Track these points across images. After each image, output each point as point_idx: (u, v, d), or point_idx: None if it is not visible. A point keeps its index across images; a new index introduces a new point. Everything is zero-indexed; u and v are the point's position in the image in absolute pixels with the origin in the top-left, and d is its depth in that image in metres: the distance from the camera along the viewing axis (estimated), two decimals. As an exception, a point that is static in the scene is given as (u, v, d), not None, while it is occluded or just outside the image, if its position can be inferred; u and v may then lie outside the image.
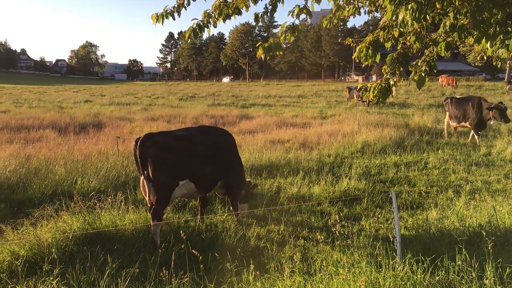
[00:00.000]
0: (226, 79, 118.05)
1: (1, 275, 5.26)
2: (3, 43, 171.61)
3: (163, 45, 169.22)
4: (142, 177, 6.59)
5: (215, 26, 5.31)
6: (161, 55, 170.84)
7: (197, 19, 5.27)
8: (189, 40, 5.68)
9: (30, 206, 7.69)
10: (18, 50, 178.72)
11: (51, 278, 4.99)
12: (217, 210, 8.13)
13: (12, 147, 12.16)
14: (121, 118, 23.02)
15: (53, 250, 5.72)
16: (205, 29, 5.30)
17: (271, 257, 5.96)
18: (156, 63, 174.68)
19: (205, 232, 6.92)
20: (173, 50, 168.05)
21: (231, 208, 7.62)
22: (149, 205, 6.61)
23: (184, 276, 4.85)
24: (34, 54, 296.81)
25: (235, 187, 7.52)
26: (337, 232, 5.86)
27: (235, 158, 7.62)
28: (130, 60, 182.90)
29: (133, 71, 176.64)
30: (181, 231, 5.49)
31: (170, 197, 6.63)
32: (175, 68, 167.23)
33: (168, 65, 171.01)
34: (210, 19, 5.26)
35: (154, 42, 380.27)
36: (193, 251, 5.07)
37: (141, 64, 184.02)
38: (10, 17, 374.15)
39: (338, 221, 6.54)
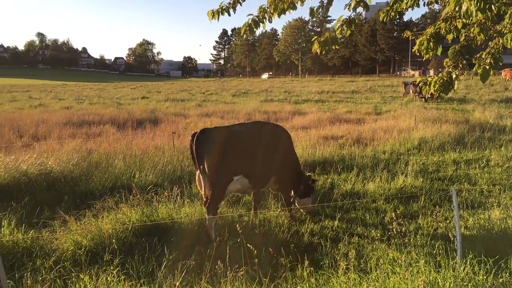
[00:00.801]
0: (264, 76, 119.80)
1: (65, 263, 5.52)
2: (65, 42, 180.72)
3: (216, 42, 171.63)
4: (197, 172, 6.70)
5: (270, 21, 5.31)
6: (214, 52, 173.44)
7: (252, 14, 5.30)
8: (245, 36, 5.71)
9: (91, 198, 8.02)
10: (80, 49, 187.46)
11: (112, 268, 5.20)
12: (270, 206, 8.16)
13: (74, 142, 12.77)
14: (176, 114, 23.56)
15: (113, 240, 5.95)
16: (261, 24, 5.32)
17: (325, 254, 5.92)
18: (210, 59, 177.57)
19: (258, 227, 6.96)
20: (226, 46, 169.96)
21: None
22: (204, 199, 6.72)
23: (239, 270, 4.90)
24: (95, 53, 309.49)
25: (289, 183, 7.49)
26: (394, 230, 5.71)
27: (289, 154, 7.57)
28: (184, 57, 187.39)
29: (188, 68, 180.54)
30: (237, 225, 5.54)
31: (225, 191, 6.71)
32: (228, 65, 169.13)
33: (222, 61, 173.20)
34: (266, 14, 5.27)
35: (208, 39, 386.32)
36: (248, 245, 5.11)
37: (195, 61, 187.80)
38: (73, 17, 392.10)
39: (395, 218, 6.37)
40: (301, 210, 7.69)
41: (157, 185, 8.63)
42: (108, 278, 4.92)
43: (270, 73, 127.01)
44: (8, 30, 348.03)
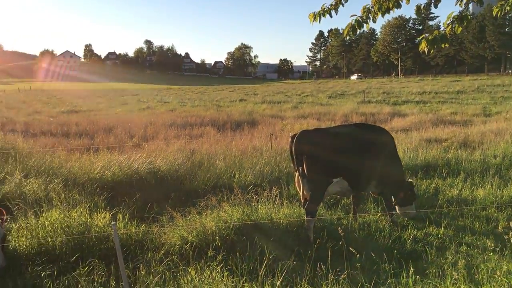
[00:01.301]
0: (354, 77, 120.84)
1: (173, 257, 5.84)
2: (170, 48, 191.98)
3: (312, 43, 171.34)
4: (297, 173, 6.73)
5: (374, 21, 5.19)
6: (310, 54, 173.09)
7: (356, 15, 5.21)
8: (347, 37, 5.66)
9: (195, 196, 8.39)
10: (183, 54, 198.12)
11: (215, 264, 5.41)
12: (370, 209, 7.95)
13: (179, 142, 13.48)
14: (273, 116, 23.89)
15: (217, 237, 6.17)
16: (364, 24, 5.21)
17: (430, 262, 5.64)
18: (306, 61, 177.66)
19: (358, 231, 6.83)
20: (322, 48, 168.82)
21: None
22: (303, 201, 6.74)
23: (341, 274, 4.84)
24: (196, 57, 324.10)
25: (390, 187, 7.23)
26: (511, 240, 5.28)
27: (392, 158, 7.28)
28: (280, 60, 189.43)
29: (284, 70, 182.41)
30: (339, 228, 5.49)
31: (324, 194, 6.67)
32: (324, 66, 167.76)
33: (317, 63, 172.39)
34: (370, 14, 5.16)
35: (304, 41, 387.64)
36: (350, 248, 5.04)
37: (291, 63, 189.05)
38: (177, 25, 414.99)
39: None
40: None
41: (256, 185, 8.79)
42: (213, 274, 5.13)
43: (359, 74, 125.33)
44: (120, 39, 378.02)
